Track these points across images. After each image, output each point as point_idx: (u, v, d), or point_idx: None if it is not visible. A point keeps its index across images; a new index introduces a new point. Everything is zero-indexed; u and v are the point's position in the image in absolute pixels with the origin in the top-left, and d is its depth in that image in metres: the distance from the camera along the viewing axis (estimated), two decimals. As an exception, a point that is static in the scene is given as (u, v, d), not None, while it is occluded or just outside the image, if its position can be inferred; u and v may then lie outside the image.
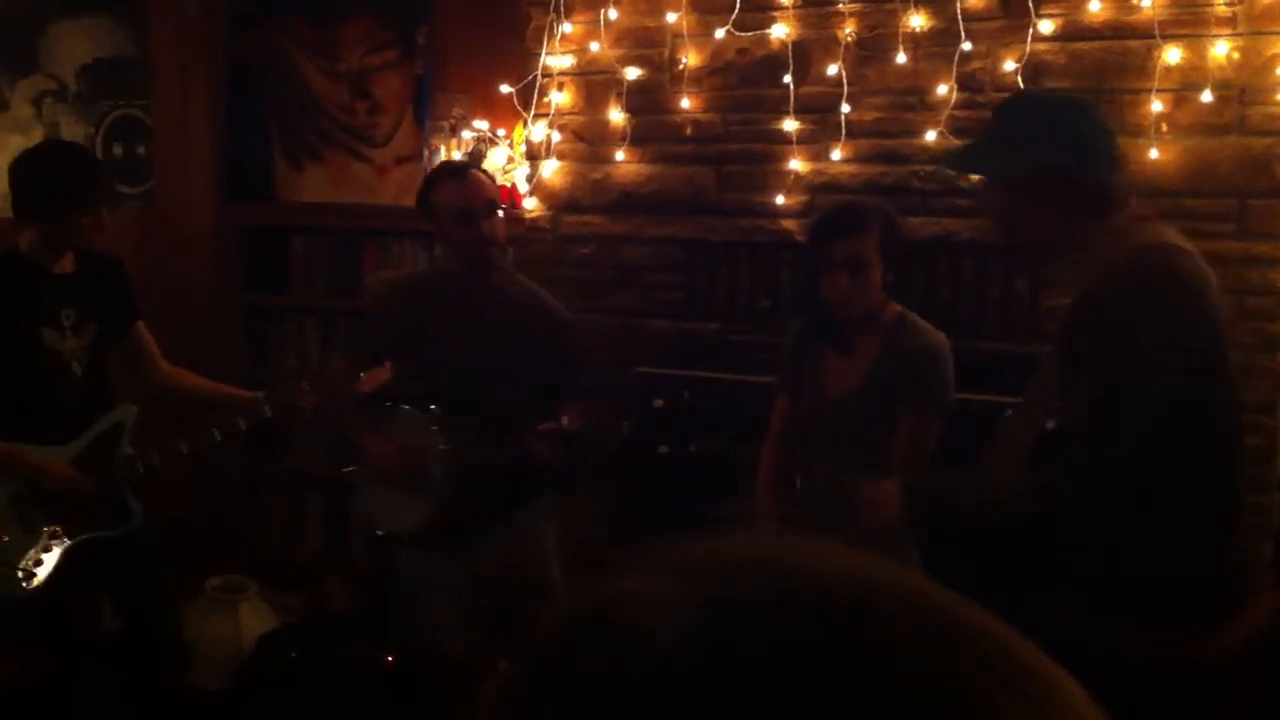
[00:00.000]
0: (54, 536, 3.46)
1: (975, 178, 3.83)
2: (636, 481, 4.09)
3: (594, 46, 4.34)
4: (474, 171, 3.50)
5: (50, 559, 3.45)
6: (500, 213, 3.44)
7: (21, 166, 3.48)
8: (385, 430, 3.50)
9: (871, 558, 0.54)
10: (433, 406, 3.41)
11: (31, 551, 3.43)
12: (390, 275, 4.89)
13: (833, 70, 4.02)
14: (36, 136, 4.47)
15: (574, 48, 4.39)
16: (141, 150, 4.96)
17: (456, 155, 4.68)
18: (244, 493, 5.29)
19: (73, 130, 4.65)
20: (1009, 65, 3.80)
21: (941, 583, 0.54)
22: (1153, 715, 2.12)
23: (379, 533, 3.61)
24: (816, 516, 3.03)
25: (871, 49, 4.00)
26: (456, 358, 3.40)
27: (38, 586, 3.43)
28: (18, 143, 4.34)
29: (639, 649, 0.50)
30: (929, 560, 2.84)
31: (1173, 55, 3.63)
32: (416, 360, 3.54)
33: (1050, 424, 2.42)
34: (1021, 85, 3.74)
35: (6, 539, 3.42)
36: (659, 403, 3.36)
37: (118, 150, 4.86)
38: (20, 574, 3.41)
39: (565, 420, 3.28)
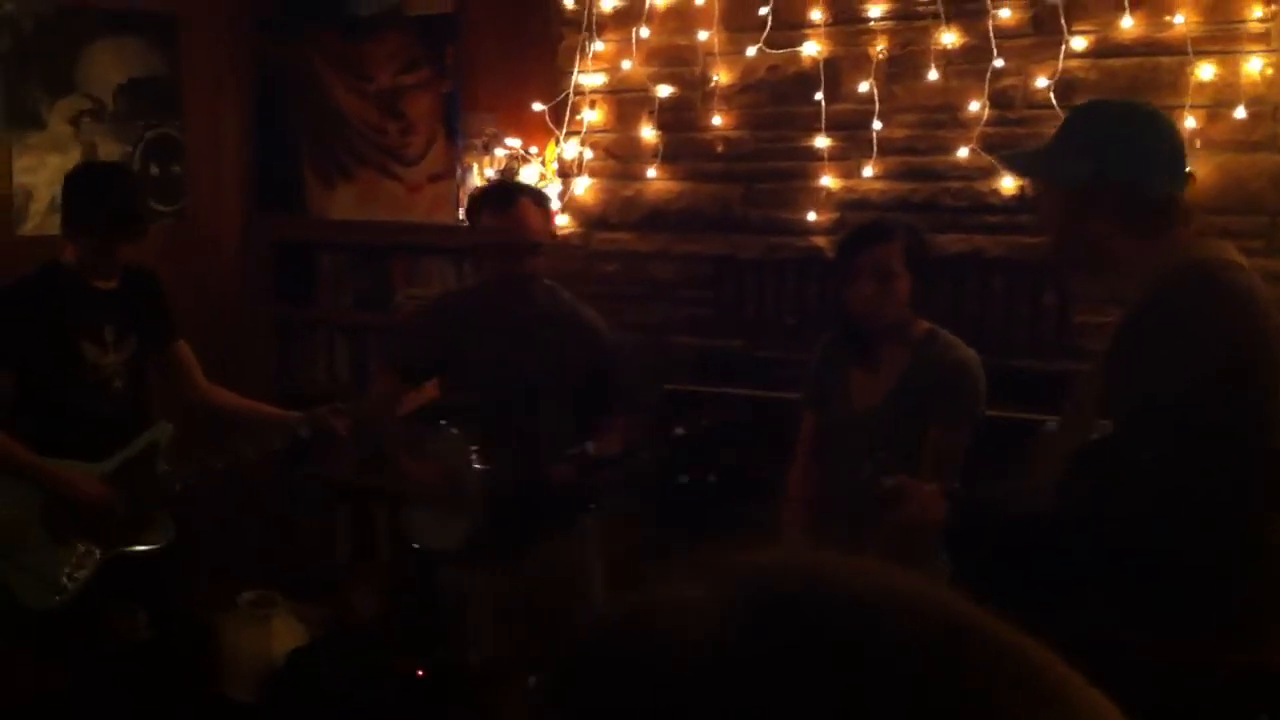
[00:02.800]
0: (88, 551, 3.49)
1: (1012, 188, 3.84)
2: (659, 506, 4.08)
3: (626, 64, 4.36)
4: (524, 203, 3.34)
5: (83, 573, 3.48)
6: (541, 248, 3.35)
7: (76, 183, 3.51)
8: (427, 450, 3.49)
9: (902, 571, 0.55)
10: (472, 427, 3.39)
11: (65, 565, 3.46)
12: (432, 292, 4.89)
13: (864, 87, 4.03)
14: (74, 155, 4.52)
15: (606, 66, 4.41)
16: (177, 169, 5.01)
17: (490, 172, 4.70)
18: (274, 503, 5.32)
19: (110, 149, 4.70)
20: (1041, 82, 3.79)
21: (970, 591, 0.54)
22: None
23: (415, 546, 3.61)
24: (847, 527, 3.02)
25: (903, 66, 4.00)
26: (493, 375, 3.38)
27: (71, 599, 3.46)
28: (56, 162, 4.40)
29: (671, 655, 0.50)
30: (959, 569, 2.84)
31: (1206, 71, 3.62)
32: (456, 377, 3.53)
33: (1094, 436, 2.40)
34: (1054, 102, 3.73)
35: (41, 552, 3.46)
36: (680, 430, 3.33)
37: (154, 169, 4.91)
38: (54, 586, 3.45)
39: (591, 447, 3.25)
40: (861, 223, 3.42)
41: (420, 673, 4.18)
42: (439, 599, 3.67)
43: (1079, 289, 3.78)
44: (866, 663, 0.48)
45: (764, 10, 4.10)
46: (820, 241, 4.15)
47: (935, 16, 3.91)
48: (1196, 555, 2.23)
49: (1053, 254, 2.66)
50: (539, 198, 3.51)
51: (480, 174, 4.77)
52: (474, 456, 3.36)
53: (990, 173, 3.87)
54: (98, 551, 3.50)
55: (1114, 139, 2.42)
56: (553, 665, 0.56)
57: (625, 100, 4.44)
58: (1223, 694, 2.26)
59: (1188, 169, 2.47)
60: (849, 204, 4.11)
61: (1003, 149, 3.79)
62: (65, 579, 3.46)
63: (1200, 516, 2.22)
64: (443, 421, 3.50)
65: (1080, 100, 3.70)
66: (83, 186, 3.49)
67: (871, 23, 4.02)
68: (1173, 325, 2.24)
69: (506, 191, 3.46)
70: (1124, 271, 2.41)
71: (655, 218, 4.42)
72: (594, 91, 4.44)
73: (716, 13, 4.21)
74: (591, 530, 3.61)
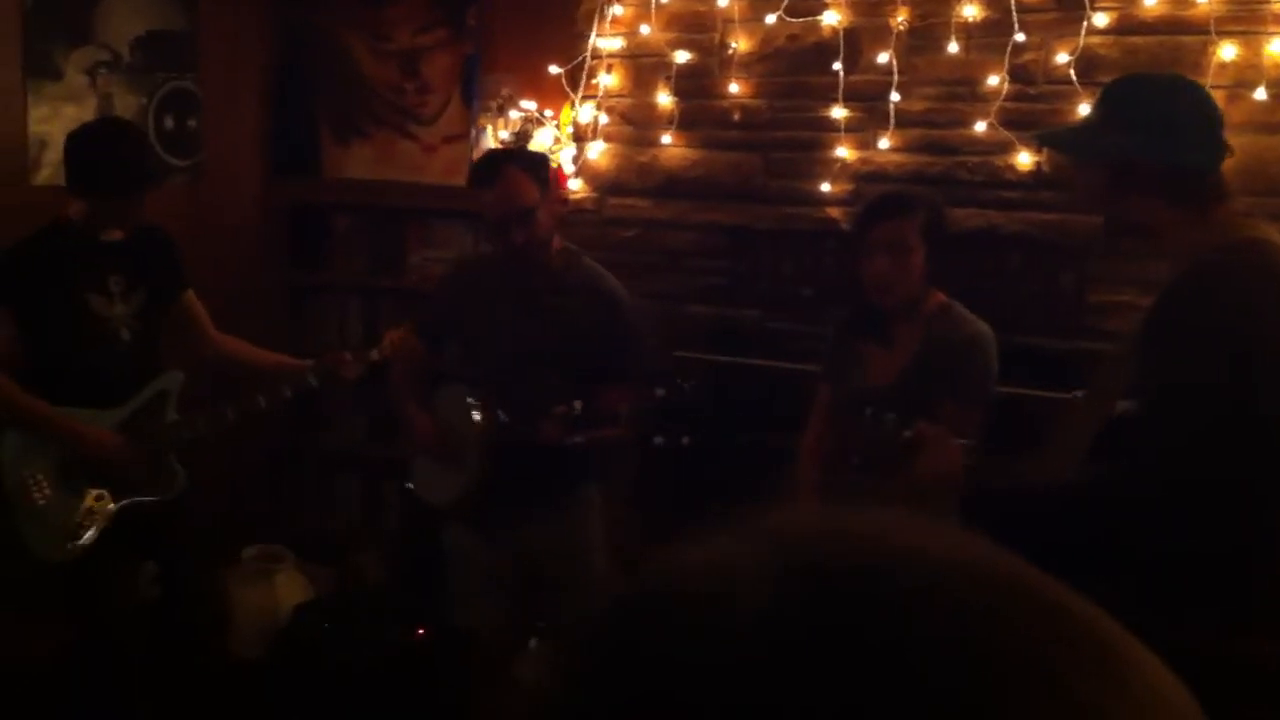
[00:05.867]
0: (99, 500, 3.51)
1: (1028, 164, 3.82)
2: (652, 472, 4.10)
3: (644, 29, 4.34)
4: (509, 172, 3.29)
5: (95, 523, 3.50)
6: (539, 211, 3.28)
7: (77, 143, 3.51)
8: (433, 405, 3.52)
9: (950, 529, 0.54)
10: (481, 387, 3.40)
11: (77, 515, 3.48)
12: (448, 255, 4.91)
13: (883, 59, 4.01)
14: (89, 106, 4.51)
15: (624, 30, 4.39)
16: (192, 123, 4.99)
17: (504, 135, 4.68)
18: (283, 465, 5.34)
19: (125, 101, 4.69)
20: (1062, 58, 3.77)
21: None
22: (1209, 707, 2.10)
23: (409, 486, 3.68)
24: (863, 491, 3.02)
25: (923, 38, 3.98)
26: (504, 339, 3.38)
27: (82, 550, 3.48)
28: (71, 112, 4.39)
29: (719, 619, 0.49)
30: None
31: (1228, 52, 3.60)
32: (467, 342, 3.53)
33: (1118, 411, 2.39)
34: (1074, 78, 3.71)
35: (53, 503, 3.47)
36: (661, 392, 3.33)
37: (169, 122, 4.89)
38: (66, 537, 3.46)
39: (577, 405, 3.22)
40: (878, 195, 3.41)
41: (421, 631, 4.20)
42: (441, 557, 3.69)
43: (1097, 269, 3.77)
44: (943, 635, 0.47)
45: (785, -22, 4.08)
46: (835, 213, 4.14)
47: (957, -11, 3.89)
48: (1217, 541, 2.22)
49: (1104, 226, 2.63)
50: (531, 163, 3.42)
51: (494, 136, 4.75)
52: (474, 412, 3.37)
53: (1008, 148, 3.85)
54: (110, 501, 3.52)
55: (1159, 114, 2.41)
56: (581, 628, 0.55)
57: (642, 65, 4.42)
58: (1228, 682, 2.25)
59: (1226, 141, 2.45)
60: (865, 176, 4.10)
61: (1021, 125, 3.79)
62: (78, 529, 3.48)
63: (1227, 503, 2.20)
64: (453, 381, 3.52)
65: (1102, 78, 3.68)
66: (81, 147, 3.49)
67: (893, -6, 4.00)
68: (1214, 307, 2.23)
69: (492, 163, 3.40)
70: (1169, 245, 2.40)
71: (670, 185, 4.41)
72: (611, 56, 4.42)
73: (737, -21, 4.18)
74: (594, 501, 3.60)
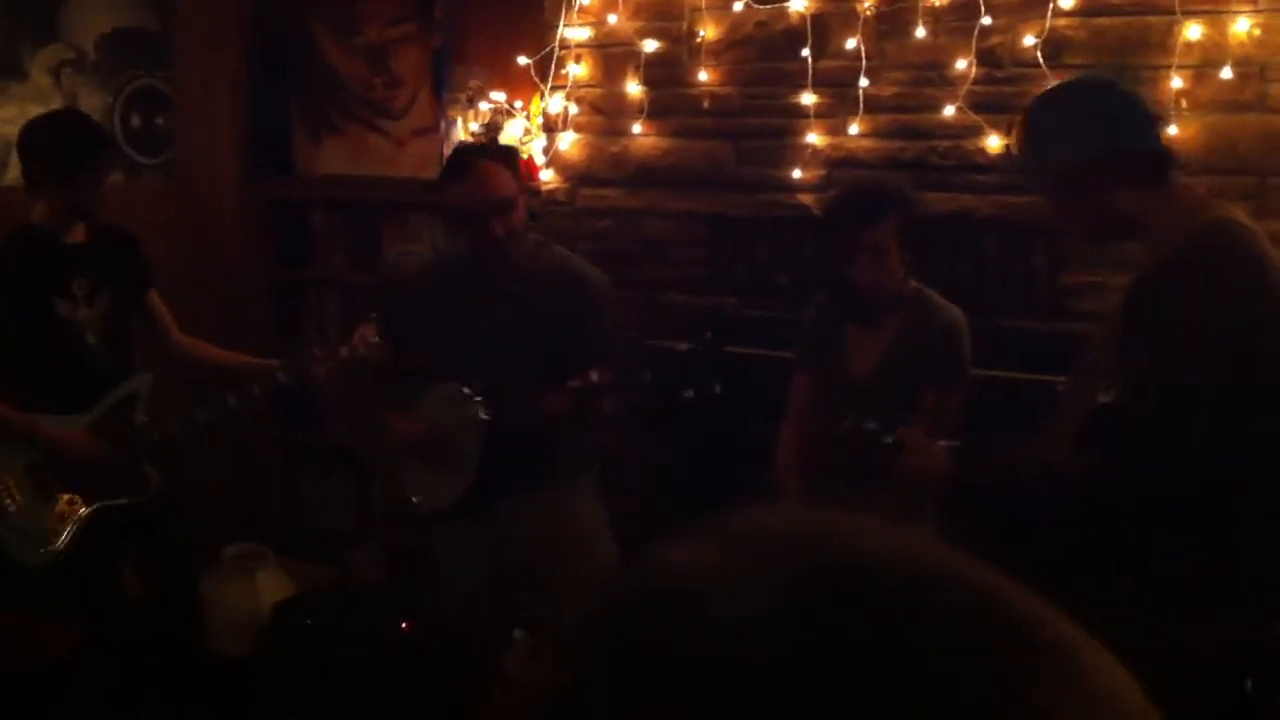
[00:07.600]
0: (72, 504, 3.49)
1: (998, 147, 3.84)
2: (661, 437, 4.09)
3: (612, 19, 4.33)
4: (481, 165, 3.29)
5: (69, 526, 3.48)
6: (518, 202, 3.28)
7: (25, 135, 3.50)
8: (415, 406, 3.47)
9: (925, 536, 0.55)
10: (471, 382, 3.34)
11: (49, 520, 3.46)
12: (422, 247, 4.88)
13: (851, 44, 4.01)
14: (56, 106, 4.47)
15: (592, 20, 4.38)
16: (160, 121, 4.96)
17: (474, 127, 4.67)
18: (274, 465, 5.32)
19: (91, 101, 4.65)
20: (1029, 40, 3.78)
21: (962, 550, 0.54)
22: (1205, 706, 2.10)
23: (415, 500, 3.55)
24: (844, 484, 3.03)
25: (891, 23, 3.99)
26: (487, 333, 3.35)
27: (58, 553, 3.46)
28: (37, 112, 4.34)
29: (718, 619, 0.49)
30: (950, 526, 2.85)
31: (1193, 31, 3.61)
32: (450, 338, 3.47)
33: (1104, 399, 2.40)
34: (1041, 61, 3.72)
35: (26, 507, 3.46)
36: (683, 346, 3.32)
37: (136, 121, 4.85)
38: (40, 542, 3.45)
39: (595, 376, 3.12)
40: (852, 191, 3.40)
41: (405, 625, 4.20)
42: (429, 557, 3.66)
43: (1071, 250, 3.79)
44: (918, 628, 0.48)
45: (752, -35, 4.08)
46: (808, 200, 4.15)
47: (924, -27, 3.89)
48: (1225, 532, 2.21)
49: (1085, 234, 2.64)
50: (504, 156, 3.43)
51: (464, 128, 4.75)
52: (476, 407, 3.31)
53: (978, 131, 3.87)
54: (82, 505, 3.51)
55: (1100, 109, 2.42)
56: (575, 626, 0.55)
57: (611, 55, 4.41)
58: (1227, 681, 2.25)
59: (1156, 115, 2.50)
60: (836, 162, 4.10)
61: (990, 108, 3.80)
62: (51, 534, 3.46)
63: (1227, 490, 2.19)
64: (434, 379, 3.46)
65: (1069, 59, 3.70)
66: (28, 138, 3.48)
67: (860, -21, 4.00)
68: (1192, 294, 2.21)
69: (462, 158, 3.40)
70: (1148, 229, 2.40)
71: (643, 174, 4.41)
72: (580, 46, 4.42)
73: (704, -33, 4.18)
74: (587, 490, 3.54)
